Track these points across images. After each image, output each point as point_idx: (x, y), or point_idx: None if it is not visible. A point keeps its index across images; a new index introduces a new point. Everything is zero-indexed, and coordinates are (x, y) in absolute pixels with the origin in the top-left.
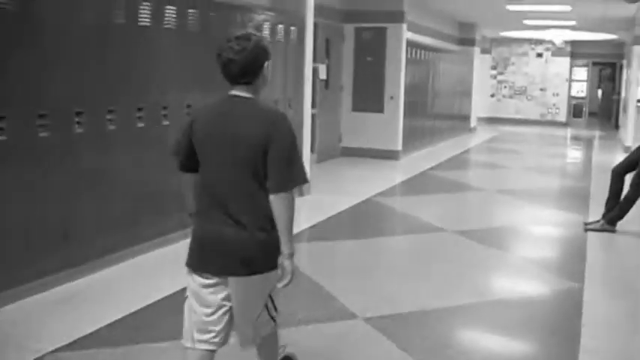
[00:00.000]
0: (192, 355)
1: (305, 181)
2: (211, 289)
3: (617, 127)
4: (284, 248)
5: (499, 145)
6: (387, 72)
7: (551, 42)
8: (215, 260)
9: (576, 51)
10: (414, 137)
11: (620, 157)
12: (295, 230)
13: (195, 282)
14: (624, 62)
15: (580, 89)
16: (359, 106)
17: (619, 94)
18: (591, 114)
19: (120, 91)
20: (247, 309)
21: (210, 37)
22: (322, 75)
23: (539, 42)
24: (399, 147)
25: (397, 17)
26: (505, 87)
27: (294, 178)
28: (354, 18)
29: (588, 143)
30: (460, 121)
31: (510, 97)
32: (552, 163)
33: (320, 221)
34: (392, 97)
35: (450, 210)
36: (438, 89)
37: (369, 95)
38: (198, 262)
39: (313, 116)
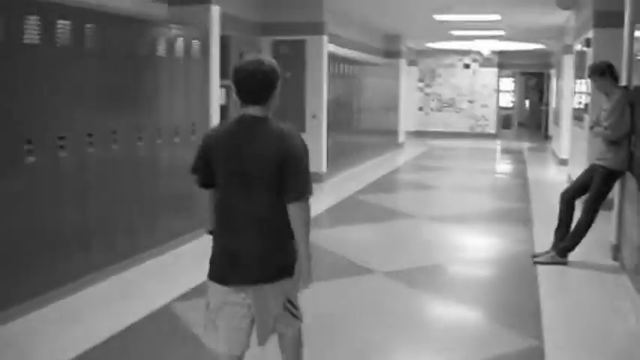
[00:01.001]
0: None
1: (306, 193)
2: (233, 298)
3: (546, 137)
4: (303, 253)
5: (429, 161)
6: (307, 88)
7: (478, 53)
8: (236, 272)
9: (504, 61)
10: (340, 157)
11: (555, 171)
12: None
13: (218, 292)
14: (552, 72)
15: (508, 100)
16: None
17: (547, 104)
18: (520, 124)
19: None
20: (266, 313)
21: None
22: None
23: (467, 53)
24: (323, 169)
25: (317, 29)
26: (433, 100)
27: (309, 189)
28: (271, 30)
29: (520, 156)
30: (388, 136)
31: (439, 110)
32: (486, 180)
33: None
34: (314, 116)
35: (377, 245)
36: (363, 104)
37: (290, 113)
38: (219, 275)
39: None
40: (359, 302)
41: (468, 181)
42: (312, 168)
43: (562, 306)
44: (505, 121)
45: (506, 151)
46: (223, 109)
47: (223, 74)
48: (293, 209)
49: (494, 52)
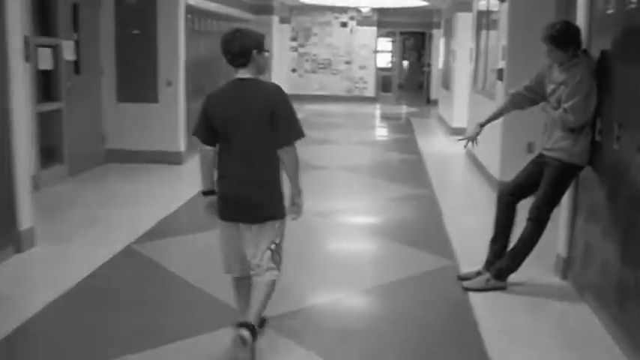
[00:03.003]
0: (235, 282)
1: (302, 134)
2: (236, 232)
3: (428, 101)
4: (294, 188)
5: (306, 131)
6: (160, 48)
7: (356, 10)
8: (237, 212)
9: (383, 20)
10: None
11: (449, 142)
12: None
13: (223, 227)
14: (434, 32)
15: (387, 61)
16: (126, 95)
17: (429, 65)
18: (399, 86)
19: None
20: (260, 243)
21: None
22: (68, 55)
23: (344, 10)
24: (182, 147)
25: None
26: (307, 60)
27: (296, 134)
28: None
29: (406, 124)
30: None
31: (313, 71)
32: (375, 156)
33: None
34: (169, 83)
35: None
36: (230, 67)
37: (139, 80)
38: (225, 214)
39: (58, 112)
40: None
41: (355, 158)
42: (169, 146)
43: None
44: (385, 84)
45: (389, 117)
46: (48, 74)
47: (46, 30)
48: (285, 152)
49: (373, 10)
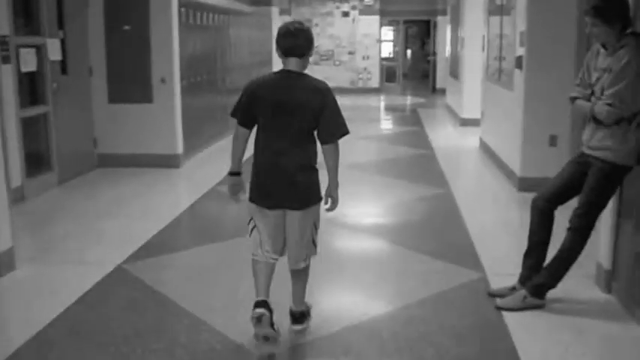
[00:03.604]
0: (261, 265)
1: (346, 132)
2: (274, 218)
3: (434, 90)
4: (333, 182)
5: None
6: (153, 45)
7: None
8: (277, 198)
9: (386, 8)
10: (201, 131)
11: (460, 134)
12: None
13: (262, 213)
14: (439, 19)
15: (392, 51)
16: (118, 95)
17: (435, 54)
18: (403, 76)
19: None
20: (296, 235)
21: None
22: (54, 55)
23: None
24: (179, 149)
25: None
26: None
27: (341, 131)
28: None
29: (413, 115)
30: None
31: (316, 63)
32: (382, 151)
33: None
34: (164, 80)
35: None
36: (229, 62)
37: (131, 79)
38: (262, 200)
39: (44, 116)
40: None
41: (363, 154)
42: (165, 149)
43: None
44: (389, 74)
45: (395, 108)
46: (32, 76)
47: (28, 28)
48: (328, 148)
49: None
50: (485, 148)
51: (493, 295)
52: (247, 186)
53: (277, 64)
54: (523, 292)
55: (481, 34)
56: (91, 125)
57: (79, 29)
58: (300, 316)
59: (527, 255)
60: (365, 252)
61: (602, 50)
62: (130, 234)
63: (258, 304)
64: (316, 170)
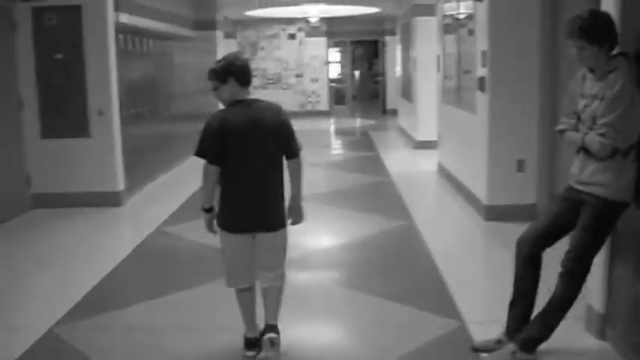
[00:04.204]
0: (242, 294)
1: (300, 148)
2: (244, 241)
3: (384, 112)
4: (297, 196)
5: None
6: (89, 74)
7: (305, 20)
8: (252, 222)
9: (333, 30)
10: (144, 164)
11: (416, 158)
12: None
13: (233, 240)
14: (387, 39)
15: (340, 72)
16: (52, 129)
17: (384, 74)
18: (353, 98)
19: None
20: (269, 255)
21: None
22: None
23: (291, 21)
24: (120, 186)
25: None
26: (256, 76)
27: (299, 146)
28: None
29: (366, 138)
30: None
31: (263, 87)
32: (335, 180)
33: None
34: (101, 112)
35: None
36: (174, 89)
37: (66, 112)
38: (236, 225)
39: None
40: None
41: (314, 183)
42: (104, 185)
43: None
44: (338, 96)
45: (346, 132)
46: None
47: None
48: (293, 162)
49: (322, 20)
50: (444, 172)
51: (478, 350)
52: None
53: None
54: (511, 346)
55: (434, 53)
56: (23, 163)
57: (7, 58)
58: (274, 326)
59: (513, 304)
60: (323, 299)
61: (589, 75)
62: (64, 288)
63: (249, 345)
64: (283, 195)
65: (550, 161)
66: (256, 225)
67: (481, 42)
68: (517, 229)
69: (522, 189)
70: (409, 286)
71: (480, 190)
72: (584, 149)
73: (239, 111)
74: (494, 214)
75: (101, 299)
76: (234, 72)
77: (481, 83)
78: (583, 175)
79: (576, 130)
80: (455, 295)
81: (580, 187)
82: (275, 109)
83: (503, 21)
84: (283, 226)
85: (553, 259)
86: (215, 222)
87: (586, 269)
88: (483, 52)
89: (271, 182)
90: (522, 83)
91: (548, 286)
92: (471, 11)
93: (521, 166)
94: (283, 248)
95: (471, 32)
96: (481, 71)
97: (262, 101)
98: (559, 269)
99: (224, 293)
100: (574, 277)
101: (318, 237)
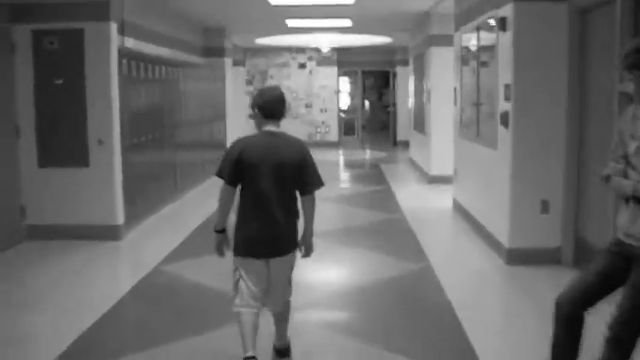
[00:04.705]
0: (248, 316)
1: (323, 183)
2: (258, 267)
3: (395, 143)
4: (310, 231)
5: None
6: (89, 101)
7: (316, 50)
8: (268, 248)
9: (344, 59)
10: (146, 197)
11: (430, 195)
12: None
13: (249, 263)
14: (398, 69)
15: (350, 103)
16: (49, 159)
17: (394, 105)
18: (362, 128)
19: None
20: (283, 278)
21: None
22: None
23: (302, 50)
24: (119, 219)
25: (100, 12)
26: None
27: (318, 183)
28: (29, 15)
29: (376, 171)
30: (215, 153)
31: None
32: (345, 216)
33: None
34: (101, 141)
35: None
36: (180, 118)
37: (65, 140)
38: (251, 251)
39: None
40: None
41: (323, 220)
42: (103, 219)
43: None
44: (347, 127)
45: (356, 164)
46: None
47: None
48: (307, 199)
49: (333, 49)
50: (460, 209)
51: None
52: (231, 241)
53: (232, 119)
54: None
55: (450, 85)
56: (18, 193)
57: (5, 83)
58: (285, 349)
59: None
60: (337, 355)
61: (639, 114)
62: (54, 333)
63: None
64: (298, 218)
65: (576, 202)
66: (270, 252)
67: (504, 75)
68: (540, 274)
69: (546, 231)
70: (431, 343)
71: (501, 231)
72: (635, 198)
73: (260, 139)
74: (517, 257)
75: (89, 347)
76: (257, 104)
77: (504, 118)
78: (634, 227)
79: (625, 176)
80: (477, 349)
81: (630, 241)
82: (294, 144)
83: (529, 53)
84: (293, 248)
85: (595, 322)
86: (226, 245)
87: (636, 336)
88: (507, 86)
89: (287, 209)
90: (548, 119)
91: (591, 353)
92: (493, 42)
93: (545, 207)
94: (291, 268)
95: (491, 64)
96: (504, 105)
97: (283, 135)
98: (605, 333)
99: (225, 343)
100: (623, 343)
101: (328, 280)
